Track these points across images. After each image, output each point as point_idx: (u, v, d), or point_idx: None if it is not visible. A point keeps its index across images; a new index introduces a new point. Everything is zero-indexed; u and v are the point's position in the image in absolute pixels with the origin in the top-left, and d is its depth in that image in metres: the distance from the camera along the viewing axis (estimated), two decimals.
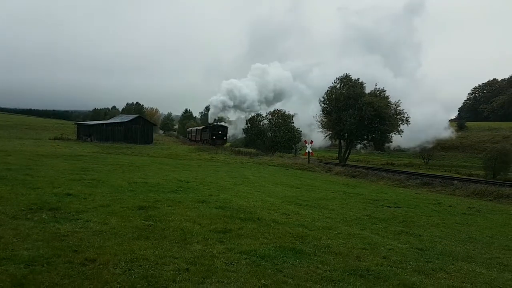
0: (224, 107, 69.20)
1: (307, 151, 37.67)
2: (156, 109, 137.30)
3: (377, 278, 5.73)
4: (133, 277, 5.02)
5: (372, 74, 62.71)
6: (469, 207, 14.94)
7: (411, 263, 6.67)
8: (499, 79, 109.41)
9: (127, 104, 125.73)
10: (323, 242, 7.64)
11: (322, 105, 48.94)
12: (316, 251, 6.94)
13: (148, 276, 5.08)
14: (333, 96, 47.13)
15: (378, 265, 6.40)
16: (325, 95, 48.59)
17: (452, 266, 6.68)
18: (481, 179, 31.13)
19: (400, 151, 67.59)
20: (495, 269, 6.75)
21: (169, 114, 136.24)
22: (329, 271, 5.89)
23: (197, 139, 69.18)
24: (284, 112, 55.74)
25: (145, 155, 35.72)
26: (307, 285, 5.23)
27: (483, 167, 46.94)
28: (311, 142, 39.50)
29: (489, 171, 44.33)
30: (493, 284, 5.88)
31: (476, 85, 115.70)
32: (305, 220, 9.75)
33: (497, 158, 44.00)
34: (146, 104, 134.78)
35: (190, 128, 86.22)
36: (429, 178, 24.77)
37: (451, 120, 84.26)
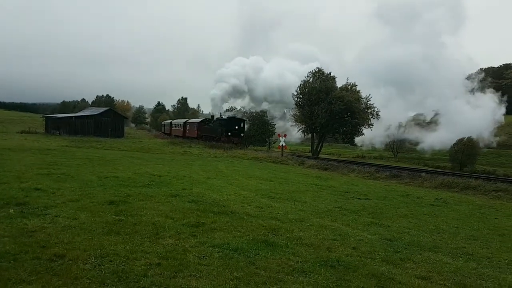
0: (235, 93, 60.95)
1: (280, 144, 37.93)
2: (127, 102, 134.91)
3: (347, 268, 5.87)
4: (103, 272, 4.97)
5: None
6: (436, 199, 15.42)
7: (380, 253, 6.86)
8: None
9: (97, 96, 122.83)
10: (295, 234, 7.75)
11: (295, 98, 49.30)
12: (288, 243, 7.03)
13: (118, 271, 5.03)
14: (306, 90, 47.54)
15: (348, 255, 6.56)
16: (298, 89, 48.94)
17: (420, 256, 6.91)
18: (448, 171, 32.17)
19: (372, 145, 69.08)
20: (460, 259, 7.00)
21: (141, 107, 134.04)
22: (301, 262, 5.99)
23: (188, 134, 57.73)
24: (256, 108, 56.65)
25: (116, 148, 35.07)
26: (279, 276, 5.31)
27: (450, 160, 48.49)
28: (285, 135, 39.77)
29: (456, 163, 45.82)
30: (459, 273, 6.10)
31: None
32: (278, 213, 9.84)
33: (463, 151, 45.51)
34: (117, 96, 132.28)
35: (169, 121, 75.57)
36: (398, 171, 25.42)
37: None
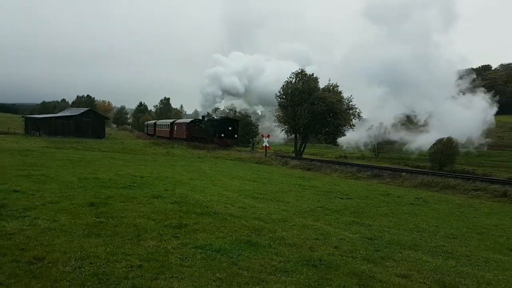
0: (230, 93, 57.24)
1: (264, 145, 37.99)
2: (108, 102, 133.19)
3: (328, 267, 5.92)
4: (84, 275, 4.90)
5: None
6: (416, 198, 15.68)
7: (361, 252, 6.94)
8: None
9: (77, 97, 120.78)
10: (278, 234, 7.78)
11: (279, 99, 49.45)
12: (271, 243, 7.06)
13: (99, 273, 4.97)
14: (289, 90, 47.74)
15: (330, 254, 6.62)
16: (281, 90, 49.10)
17: (400, 255, 7.01)
18: (428, 170, 32.72)
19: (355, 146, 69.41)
20: (440, 257, 7.13)
21: (123, 107, 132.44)
22: (283, 262, 6.02)
23: (176, 135, 54.47)
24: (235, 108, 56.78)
25: (97, 149, 34.58)
26: (262, 276, 5.32)
27: (429, 160, 49.31)
28: (268, 136, 39.86)
29: (435, 163, 46.62)
30: (438, 271, 6.21)
31: None
32: (261, 213, 9.87)
33: (443, 151, 46.34)
34: (98, 97, 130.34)
35: (154, 122, 72.17)
36: (379, 170, 25.73)
37: None
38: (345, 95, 47.42)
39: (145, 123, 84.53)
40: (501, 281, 5.93)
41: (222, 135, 43.72)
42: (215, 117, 49.06)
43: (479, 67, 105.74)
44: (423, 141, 60.59)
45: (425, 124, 67.84)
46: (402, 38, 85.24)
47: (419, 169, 36.55)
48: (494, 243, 8.65)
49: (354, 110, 47.06)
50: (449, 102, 67.76)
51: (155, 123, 69.69)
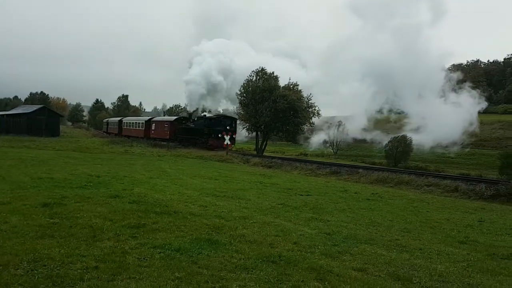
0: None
1: (225, 143, 37.90)
2: (63, 99, 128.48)
3: (288, 263, 6.00)
4: (37, 277, 4.72)
5: None
6: (372, 193, 16.17)
7: (319, 247, 7.08)
8: None
9: (30, 93, 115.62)
10: (239, 231, 7.80)
11: (239, 97, 49.45)
12: (232, 240, 7.06)
13: (53, 276, 4.79)
14: (250, 88, 47.86)
15: (289, 250, 6.71)
16: (242, 88, 49.13)
17: (356, 249, 7.21)
18: (383, 167, 33.81)
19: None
20: (394, 250, 7.37)
21: (78, 105, 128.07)
22: (243, 259, 6.03)
23: (154, 135, 48.72)
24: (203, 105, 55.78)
25: (51, 148, 33.26)
26: (221, 274, 5.32)
27: (386, 156, 50.97)
28: (229, 134, 39.79)
29: (390, 160, 48.23)
30: (393, 264, 6.42)
31: None
32: (222, 211, 9.85)
33: (397, 148, 48.02)
34: (53, 94, 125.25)
35: (118, 119, 64.61)
36: (337, 167, 26.30)
37: None
38: (320, 92, 47.70)
39: (105, 120, 76.93)
40: (452, 272, 6.20)
41: (219, 135, 38.55)
42: (209, 115, 43.52)
43: (468, 62, 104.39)
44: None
45: (403, 124, 64.09)
46: (387, 32, 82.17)
47: (375, 166, 37.72)
48: (446, 236, 9.04)
49: (313, 109, 47.90)
50: (434, 101, 63.30)
51: (120, 120, 62.62)
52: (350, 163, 36.22)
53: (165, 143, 42.37)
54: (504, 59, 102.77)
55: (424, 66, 67.14)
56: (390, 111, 75.23)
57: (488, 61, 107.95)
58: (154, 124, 50.55)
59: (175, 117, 49.59)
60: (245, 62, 57.17)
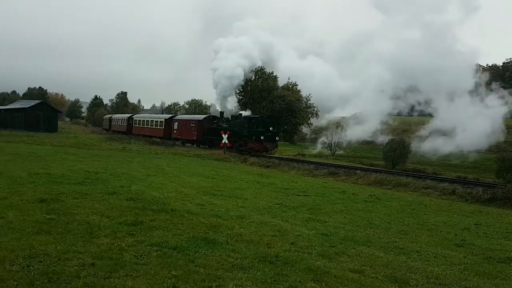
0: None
1: (223, 141, 37.85)
2: (62, 94, 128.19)
3: (285, 263, 5.99)
4: (32, 273, 4.70)
5: None
6: (370, 195, 16.16)
7: (316, 248, 7.07)
8: None
9: (28, 88, 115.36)
10: (236, 231, 7.79)
11: (238, 96, 49.50)
12: (229, 240, 7.05)
13: (49, 272, 4.78)
14: (249, 88, 47.89)
15: (287, 251, 6.70)
16: (240, 87, 49.17)
17: (354, 250, 7.20)
18: (381, 169, 33.83)
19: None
20: (392, 252, 7.36)
21: (77, 101, 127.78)
22: (240, 259, 6.03)
23: (177, 135, 43.36)
24: (201, 102, 55.64)
25: (49, 144, 33.16)
26: (218, 273, 5.31)
27: (383, 158, 50.95)
28: (228, 132, 39.73)
29: (388, 161, 48.22)
30: (390, 266, 6.42)
31: None
32: (219, 210, 9.83)
33: (396, 150, 48.00)
34: (51, 89, 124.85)
35: (126, 116, 59.44)
36: (335, 168, 26.28)
37: None
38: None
39: (107, 116, 70.93)
40: (449, 275, 6.21)
41: (262, 137, 33.44)
42: (250, 115, 38.91)
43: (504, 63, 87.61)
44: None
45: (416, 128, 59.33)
46: (411, 28, 71.75)
47: (373, 167, 37.71)
48: (443, 239, 9.04)
49: (312, 109, 47.97)
50: (461, 103, 56.13)
51: (131, 118, 56.29)
52: (348, 164, 36.19)
53: (190, 144, 39.23)
54: None
55: (450, 65, 58.18)
56: (410, 113, 70.59)
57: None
58: (177, 123, 44.68)
59: (204, 116, 43.54)
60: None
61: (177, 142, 41.64)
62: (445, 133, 53.62)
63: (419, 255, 7.34)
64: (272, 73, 48.54)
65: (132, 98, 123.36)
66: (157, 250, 6.00)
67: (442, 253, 7.65)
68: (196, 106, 69.86)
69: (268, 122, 34.98)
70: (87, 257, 5.40)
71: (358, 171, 24.31)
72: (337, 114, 52.42)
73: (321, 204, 12.68)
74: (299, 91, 48.06)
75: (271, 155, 33.46)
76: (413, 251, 7.62)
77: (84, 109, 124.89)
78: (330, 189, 17.24)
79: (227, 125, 37.70)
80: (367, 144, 62.00)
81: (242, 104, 49.25)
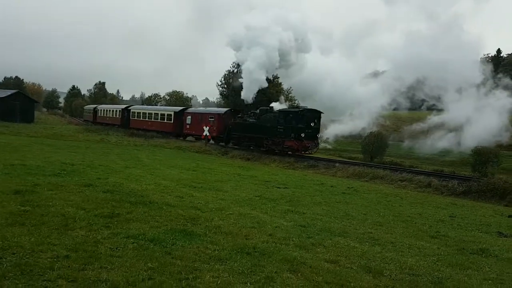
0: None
1: (204, 134, 37.64)
2: (39, 84, 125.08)
3: (262, 254, 6.03)
4: (5, 266, 4.63)
5: None
6: (348, 187, 16.38)
7: (294, 239, 7.14)
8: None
9: (5, 78, 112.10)
10: (215, 223, 7.79)
11: (220, 88, 49.24)
12: (207, 232, 7.05)
13: (22, 264, 4.70)
14: (230, 80, 47.67)
15: (264, 242, 6.75)
16: (222, 79, 48.92)
17: (330, 241, 7.30)
18: (360, 161, 34.23)
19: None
20: (367, 243, 7.50)
21: (54, 91, 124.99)
22: (218, 250, 6.04)
23: (191, 131, 38.45)
24: (182, 94, 55.16)
25: (25, 134, 32.43)
26: (195, 265, 5.31)
27: (362, 151, 51.57)
28: (209, 125, 39.51)
29: (366, 154, 48.85)
30: (365, 257, 6.54)
31: None
32: (199, 202, 9.81)
33: (374, 143, 48.63)
34: (28, 79, 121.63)
35: (120, 107, 52.86)
36: (314, 161, 26.49)
37: None
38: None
39: (91, 107, 63.38)
40: (423, 266, 6.36)
41: (302, 134, 28.11)
42: (287, 108, 32.86)
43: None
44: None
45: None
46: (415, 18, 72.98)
47: (352, 160, 38.13)
48: (418, 230, 9.25)
49: (293, 102, 48.07)
50: (469, 97, 52.05)
51: (127, 109, 49.79)
52: (327, 157, 36.52)
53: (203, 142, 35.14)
54: None
55: (456, 57, 52.91)
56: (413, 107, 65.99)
57: None
58: (190, 117, 38.92)
59: (226, 109, 37.76)
60: None
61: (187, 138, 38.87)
62: (450, 128, 51.45)
63: (394, 246, 7.49)
64: None
65: (110, 89, 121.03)
66: (133, 243, 5.95)
67: (416, 244, 7.83)
68: (177, 98, 69.06)
69: (309, 116, 28.92)
70: (61, 249, 5.32)
71: (337, 164, 24.58)
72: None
73: (300, 196, 12.79)
74: (280, 83, 48.08)
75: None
76: (388, 242, 7.77)
77: (61, 100, 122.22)
78: (309, 182, 17.39)
79: (255, 120, 32.20)
80: (354, 138, 61.46)
81: (224, 97, 49.04)
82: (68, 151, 20.22)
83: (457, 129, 50.76)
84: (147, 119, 45.10)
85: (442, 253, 7.35)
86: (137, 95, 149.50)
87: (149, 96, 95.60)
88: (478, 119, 48.94)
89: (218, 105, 50.55)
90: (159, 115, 43.48)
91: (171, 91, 76.10)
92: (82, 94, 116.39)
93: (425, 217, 11.14)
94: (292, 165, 25.41)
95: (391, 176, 20.39)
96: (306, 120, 28.47)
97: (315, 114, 29.55)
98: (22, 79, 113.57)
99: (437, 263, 6.65)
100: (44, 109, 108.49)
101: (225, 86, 48.49)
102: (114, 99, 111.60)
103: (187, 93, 72.81)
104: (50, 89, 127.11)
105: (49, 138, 30.83)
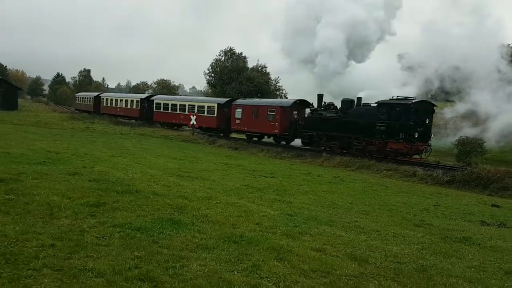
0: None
1: (191, 123, 37.43)
2: (22, 71, 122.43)
3: (249, 243, 6.07)
4: None
5: None
6: (334, 177, 16.50)
7: (280, 228, 7.19)
8: None
9: None
10: (202, 212, 7.79)
11: (207, 77, 48.94)
12: (194, 221, 7.05)
13: (6, 253, 4.65)
14: (218, 68, 47.42)
15: (251, 231, 6.78)
16: (210, 67, 48.61)
17: (316, 230, 7.37)
18: (346, 151, 34.39)
19: None
20: (352, 232, 7.59)
21: (38, 78, 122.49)
22: (205, 239, 6.05)
23: (249, 128, 30.62)
24: (170, 83, 54.60)
25: (8, 122, 31.81)
26: (182, 254, 5.31)
27: None
28: (196, 114, 39.26)
29: None
30: (350, 245, 6.63)
31: None
32: (186, 191, 9.79)
33: None
34: (11, 65, 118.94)
35: (146, 96, 43.37)
36: (301, 151, 26.54)
37: None
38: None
39: (90, 95, 54.65)
40: (407, 254, 6.47)
41: (416, 134, 21.09)
42: (391, 100, 22.68)
43: None
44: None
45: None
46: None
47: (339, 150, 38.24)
48: (402, 219, 9.39)
49: (281, 92, 48.10)
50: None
51: (148, 99, 41.90)
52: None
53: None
54: None
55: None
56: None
57: None
58: (240, 110, 31.40)
59: (292, 101, 29.25)
60: None
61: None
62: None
63: (379, 235, 7.60)
64: (241, 53, 48.23)
65: (96, 76, 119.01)
66: (120, 232, 5.92)
67: (401, 232, 7.95)
68: (164, 86, 68.34)
69: (423, 111, 21.85)
70: (46, 238, 5.28)
71: (324, 154, 24.65)
72: None
73: (287, 185, 12.85)
74: (268, 73, 48.03)
75: (240, 137, 28.12)
76: (373, 230, 7.87)
77: (46, 87, 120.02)
78: (296, 171, 17.48)
79: (341, 115, 24.84)
80: None
81: (212, 85, 48.79)
82: (53, 139, 19.94)
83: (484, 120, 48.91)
84: (178, 112, 37.28)
85: (426, 241, 7.48)
86: (123, 83, 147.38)
87: (137, 83, 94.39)
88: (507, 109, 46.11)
89: (205, 94, 50.30)
90: (196, 107, 35.48)
91: (159, 79, 75.46)
92: (67, 81, 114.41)
93: (410, 206, 11.31)
94: (280, 154, 25.46)
95: (377, 165, 20.59)
96: (419, 116, 21.58)
97: (429, 107, 22.58)
98: (5, 66, 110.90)
99: (421, 251, 6.77)
100: (28, 97, 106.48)
101: (212, 74, 48.22)
102: (100, 87, 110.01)
103: (173, 82, 72.13)
104: (34, 76, 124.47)
105: (33, 126, 30.33)
